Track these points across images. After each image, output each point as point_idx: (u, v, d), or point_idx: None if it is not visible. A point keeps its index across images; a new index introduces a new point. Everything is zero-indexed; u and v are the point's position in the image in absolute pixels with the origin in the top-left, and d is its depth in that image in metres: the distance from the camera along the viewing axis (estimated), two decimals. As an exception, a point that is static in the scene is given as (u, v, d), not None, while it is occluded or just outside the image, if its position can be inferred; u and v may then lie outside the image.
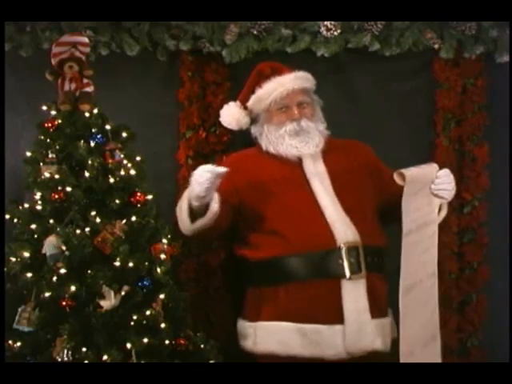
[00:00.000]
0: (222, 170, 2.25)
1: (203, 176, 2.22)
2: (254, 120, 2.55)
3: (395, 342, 2.36)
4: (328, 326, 2.32)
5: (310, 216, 2.37)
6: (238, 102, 2.57)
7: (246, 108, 2.55)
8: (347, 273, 2.32)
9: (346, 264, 2.32)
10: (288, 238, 2.36)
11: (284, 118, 2.46)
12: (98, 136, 2.38)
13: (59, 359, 2.22)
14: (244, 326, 2.49)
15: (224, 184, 2.36)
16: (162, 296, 2.32)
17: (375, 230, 2.45)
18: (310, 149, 2.45)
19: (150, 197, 2.41)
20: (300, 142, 2.45)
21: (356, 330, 2.31)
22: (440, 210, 2.39)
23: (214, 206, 2.31)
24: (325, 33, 2.68)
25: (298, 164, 2.44)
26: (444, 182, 2.33)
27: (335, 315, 2.31)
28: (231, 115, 2.57)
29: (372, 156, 2.57)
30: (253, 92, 2.51)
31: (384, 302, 2.43)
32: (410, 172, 2.24)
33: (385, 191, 2.44)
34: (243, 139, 2.67)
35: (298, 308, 2.34)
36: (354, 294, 2.32)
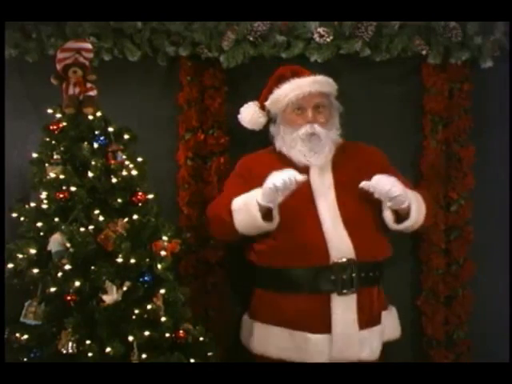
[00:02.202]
0: (303, 177, 2.25)
1: (286, 181, 2.22)
2: (272, 120, 2.54)
3: (397, 342, 2.47)
4: (316, 335, 2.34)
5: (309, 230, 2.36)
6: (256, 102, 2.57)
7: (264, 109, 2.54)
8: (338, 289, 2.32)
9: (337, 281, 2.33)
10: (285, 251, 2.37)
11: (299, 120, 2.43)
12: (101, 138, 2.40)
13: (64, 351, 2.25)
14: (247, 322, 2.55)
15: (239, 186, 2.39)
16: (162, 291, 2.34)
17: (375, 244, 2.43)
18: (318, 160, 2.42)
19: (150, 196, 2.43)
20: (310, 150, 2.41)
21: (342, 340, 2.33)
22: (403, 218, 2.39)
23: (276, 214, 2.33)
24: (318, 39, 2.69)
25: (306, 172, 2.38)
26: (377, 186, 2.31)
27: (324, 326, 2.34)
28: (248, 114, 2.56)
29: (384, 165, 2.51)
30: (271, 93, 2.49)
31: (377, 311, 2.43)
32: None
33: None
34: (241, 141, 2.72)
35: (290, 315, 2.37)
36: (343, 308, 2.34)
